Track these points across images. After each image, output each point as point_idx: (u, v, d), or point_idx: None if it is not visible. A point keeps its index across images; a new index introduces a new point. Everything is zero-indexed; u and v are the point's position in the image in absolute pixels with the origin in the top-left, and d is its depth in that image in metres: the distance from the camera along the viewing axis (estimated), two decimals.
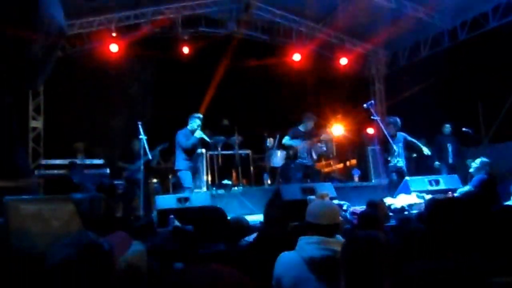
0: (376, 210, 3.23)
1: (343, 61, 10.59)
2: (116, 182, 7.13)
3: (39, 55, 3.92)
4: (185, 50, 9.43)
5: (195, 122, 6.42)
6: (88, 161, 7.33)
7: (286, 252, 2.17)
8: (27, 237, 3.25)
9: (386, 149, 6.97)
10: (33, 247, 3.20)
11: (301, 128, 7.29)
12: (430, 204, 2.01)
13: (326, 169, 10.02)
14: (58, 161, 7.37)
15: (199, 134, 6.37)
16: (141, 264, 1.92)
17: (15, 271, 2.96)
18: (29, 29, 3.59)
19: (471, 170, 5.77)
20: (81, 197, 3.10)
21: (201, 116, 6.52)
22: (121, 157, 7.29)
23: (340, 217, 2.63)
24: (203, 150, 7.89)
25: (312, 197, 4.90)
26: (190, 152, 6.45)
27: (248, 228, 3.22)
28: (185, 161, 6.40)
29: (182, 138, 6.40)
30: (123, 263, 1.82)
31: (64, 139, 8.28)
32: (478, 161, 5.70)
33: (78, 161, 7.13)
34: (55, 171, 7.08)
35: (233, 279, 1.59)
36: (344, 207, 5.18)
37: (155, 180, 8.14)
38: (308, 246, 2.08)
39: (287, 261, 2.10)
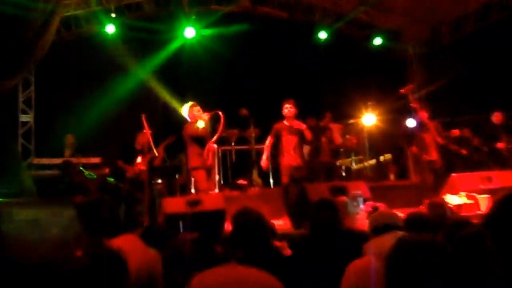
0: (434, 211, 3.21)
1: (376, 40, 10.52)
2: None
3: (31, 34, 3.98)
4: (191, 32, 9.46)
5: (194, 111, 6.42)
6: (84, 160, 7.43)
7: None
8: (22, 245, 3.32)
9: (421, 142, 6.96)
10: (29, 257, 3.27)
11: (285, 121, 7.05)
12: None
13: (357, 166, 9.97)
14: (51, 160, 7.49)
15: (201, 123, 6.36)
16: (157, 271, 1.96)
17: (9, 283, 3.03)
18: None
19: None
20: (82, 200, 3.15)
21: (195, 103, 6.51)
22: (122, 155, 7.35)
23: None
24: (215, 145, 7.92)
25: (345, 198, 4.92)
26: (203, 143, 6.41)
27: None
28: (200, 157, 6.35)
29: (191, 129, 6.37)
30: (137, 270, 1.86)
31: (57, 135, 8.38)
32: None
33: (74, 160, 7.23)
34: (49, 171, 7.20)
35: (262, 280, 1.62)
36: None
37: (159, 181, 8.19)
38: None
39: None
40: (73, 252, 1.73)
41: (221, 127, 6.47)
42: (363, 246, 2.51)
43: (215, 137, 6.52)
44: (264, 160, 6.80)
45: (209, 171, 6.62)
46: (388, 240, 2.35)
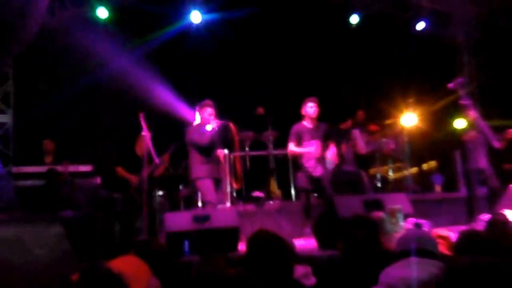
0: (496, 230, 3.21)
1: (420, 25, 10.49)
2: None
3: (9, 16, 4.06)
4: (197, 16, 9.51)
5: (205, 112, 6.53)
6: (72, 168, 7.50)
7: None
8: (2, 268, 3.38)
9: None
10: (10, 282, 3.33)
11: (306, 123, 7.08)
12: None
13: (395, 175, 9.93)
14: (34, 169, 7.57)
15: (211, 127, 6.46)
16: None
17: None
18: None
19: None
20: (71, 216, 3.21)
21: (211, 102, 6.62)
22: (122, 161, 7.40)
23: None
24: (226, 151, 7.97)
25: (381, 214, 4.90)
26: (208, 152, 6.54)
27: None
28: (204, 165, 6.48)
29: (194, 134, 6.50)
30: None
31: (40, 138, 8.48)
32: None
33: (60, 168, 7.31)
34: (31, 182, 7.28)
35: None
36: (424, 228, 5.14)
37: (160, 193, 8.25)
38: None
39: None
40: (64, 276, 1.75)
41: (236, 143, 6.56)
42: (379, 275, 2.50)
43: (237, 164, 6.62)
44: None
45: (217, 182, 6.68)
46: (402, 268, 2.35)
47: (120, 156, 7.49)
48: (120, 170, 7.23)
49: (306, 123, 6.95)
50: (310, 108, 6.89)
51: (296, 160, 7.25)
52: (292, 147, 6.98)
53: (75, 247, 2.88)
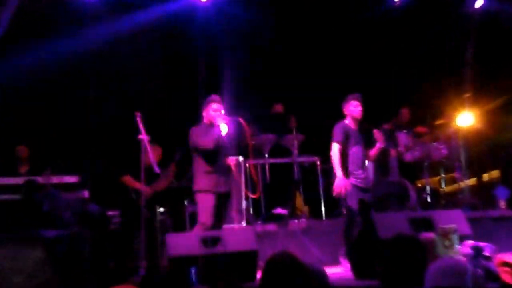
0: None
1: (478, 2, 10.40)
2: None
3: None
4: None
5: (211, 109, 6.52)
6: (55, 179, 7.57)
7: None
8: None
9: None
10: None
11: (349, 123, 7.00)
12: None
13: (448, 188, 9.89)
14: (9, 180, 7.65)
15: (223, 125, 6.44)
16: None
17: None
18: None
19: None
20: (54, 236, 3.23)
21: (217, 97, 6.62)
22: (128, 169, 7.45)
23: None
24: (241, 158, 7.97)
25: (432, 235, 4.87)
26: (214, 159, 6.49)
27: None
28: (208, 175, 6.40)
29: (197, 136, 6.45)
30: None
31: (16, 143, 8.56)
32: None
33: (40, 180, 7.37)
34: (7, 196, 7.35)
35: None
36: (486, 253, 5.10)
37: (161, 209, 8.29)
38: None
39: None
40: None
41: (250, 143, 6.55)
42: None
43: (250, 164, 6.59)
44: (339, 181, 6.69)
45: (226, 197, 6.62)
46: None
47: (126, 163, 7.54)
48: (128, 180, 7.28)
49: (349, 124, 6.90)
50: (355, 107, 6.84)
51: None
52: (337, 152, 6.82)
53: (58, 273, 2.90)
